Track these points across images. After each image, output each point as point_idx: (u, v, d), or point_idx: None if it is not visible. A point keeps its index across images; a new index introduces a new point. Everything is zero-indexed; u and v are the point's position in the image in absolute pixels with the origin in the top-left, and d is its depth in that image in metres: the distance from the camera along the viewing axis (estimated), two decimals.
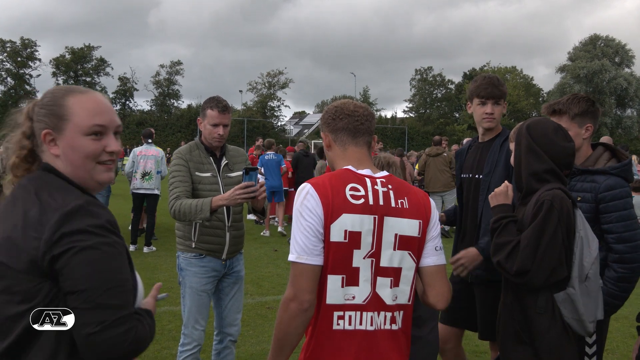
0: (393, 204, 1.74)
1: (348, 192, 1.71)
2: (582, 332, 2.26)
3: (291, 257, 1.70)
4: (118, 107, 52.95)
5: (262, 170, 10.18)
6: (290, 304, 1.65)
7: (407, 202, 1.76)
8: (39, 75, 51.08)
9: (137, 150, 8.71)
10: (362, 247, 1.69)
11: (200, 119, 3.26)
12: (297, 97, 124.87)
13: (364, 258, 1.70)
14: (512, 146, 2.48)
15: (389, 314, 1.74)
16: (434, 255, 1.82)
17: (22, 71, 49.66)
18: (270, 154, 10.71)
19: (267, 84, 55.94)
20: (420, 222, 1.77)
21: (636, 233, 2.52)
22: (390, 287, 1.73)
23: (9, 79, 49.20)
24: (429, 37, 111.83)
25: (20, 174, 1.47)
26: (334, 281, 1.68)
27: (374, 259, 1.71)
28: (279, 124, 56.30)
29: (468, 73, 59.11)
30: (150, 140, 8.81)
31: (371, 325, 1.71)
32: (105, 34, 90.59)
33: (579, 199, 2.55)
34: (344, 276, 1.69)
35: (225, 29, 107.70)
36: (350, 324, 1.70)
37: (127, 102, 54.58)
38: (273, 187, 10.12)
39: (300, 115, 70.19)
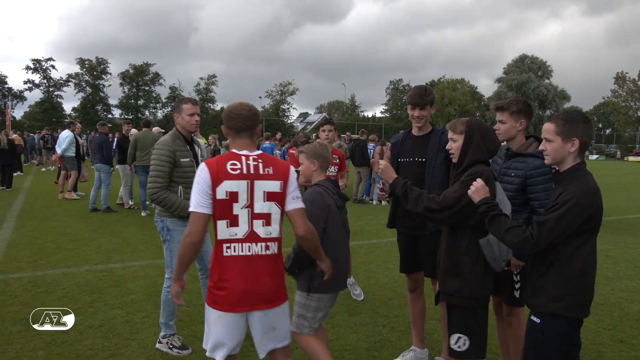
0: (261, 172, 2.48)
1: (229, 166, 2.45)
2: (497, 268, 2.66)
3: (190, 209, 2.43)
4: (169, 109, 62.30)
5: None
6: (186, 238, 2.41)
7: (271, 170, 2.50)
8: (109, 85, 60.43)
9: None
10: (239, 201, 2.43)
11: (177, 114, 3.83)
12: (302, 101, 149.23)
13: (241, 208, 2.44)
14: (450, 134, 2.81)
15: (263, 244, 2.47)
16: (292, 203, 2.53)
17: (97, 82, 59.45)
18: (266, 143, 13.70)
19: (279, 92, 66.18)
20: (281, 182, 2.51)
21: None
22: (263, 226, 2.47)
23: (87, 88, 59.46)
24: (400, 56, 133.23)
25: None
26: (221, 224, 2.43)
27: (250, 209, 2.45)
28: (288, 122, 66.64)
29: (429, 83, 72.14)
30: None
31: (249, 251, 2.45)
32: (159, 53, 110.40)
33: (512, 174, 3.09)
34: (228, 220, 2.43)
35: (249, 49, 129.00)
36: (235, 252, 2.44)
37: None
38: None
39: (304, 115, 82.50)
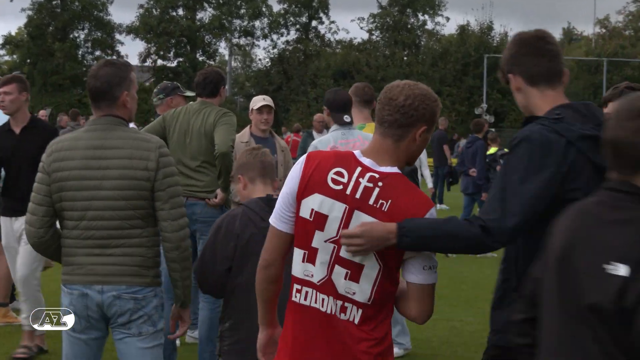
0: (371, 202, 1.80)
1: (331, 175, 1.81)
2: None
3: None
4: None
5: None
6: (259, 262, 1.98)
7: (388, 205, 1.79)
8: None
9: None
10: (325, 230, 1.82)
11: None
12: None
13: (325, 241, 1.82)
14: None
15: (339, 302, 1.83)
16: (420, 273, 1.83)
17: None
18: None
19: None
20: None
21: None
22: (345, 279, 1.82)
23: None
24: None
25: None
26: (297, 254, 1.87)
27: (336, 246, 1.82)
28: None
29: None
30: None
31: (322, 306, 1.84)
32: None
33: None
34: (306, 252, 1.85)
35: None
36: (305, 300, 1.86)
37: None
38: None
39: None
